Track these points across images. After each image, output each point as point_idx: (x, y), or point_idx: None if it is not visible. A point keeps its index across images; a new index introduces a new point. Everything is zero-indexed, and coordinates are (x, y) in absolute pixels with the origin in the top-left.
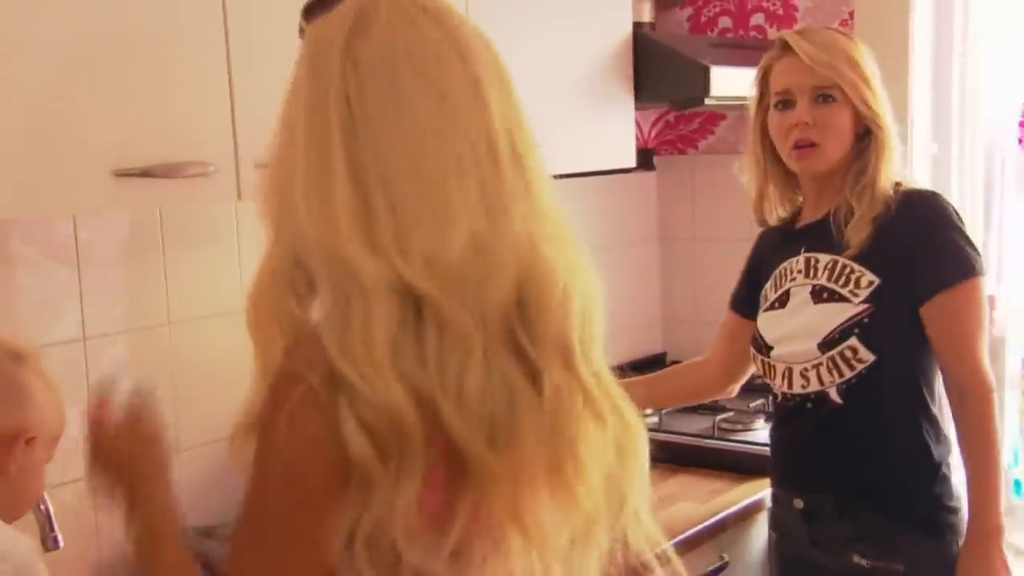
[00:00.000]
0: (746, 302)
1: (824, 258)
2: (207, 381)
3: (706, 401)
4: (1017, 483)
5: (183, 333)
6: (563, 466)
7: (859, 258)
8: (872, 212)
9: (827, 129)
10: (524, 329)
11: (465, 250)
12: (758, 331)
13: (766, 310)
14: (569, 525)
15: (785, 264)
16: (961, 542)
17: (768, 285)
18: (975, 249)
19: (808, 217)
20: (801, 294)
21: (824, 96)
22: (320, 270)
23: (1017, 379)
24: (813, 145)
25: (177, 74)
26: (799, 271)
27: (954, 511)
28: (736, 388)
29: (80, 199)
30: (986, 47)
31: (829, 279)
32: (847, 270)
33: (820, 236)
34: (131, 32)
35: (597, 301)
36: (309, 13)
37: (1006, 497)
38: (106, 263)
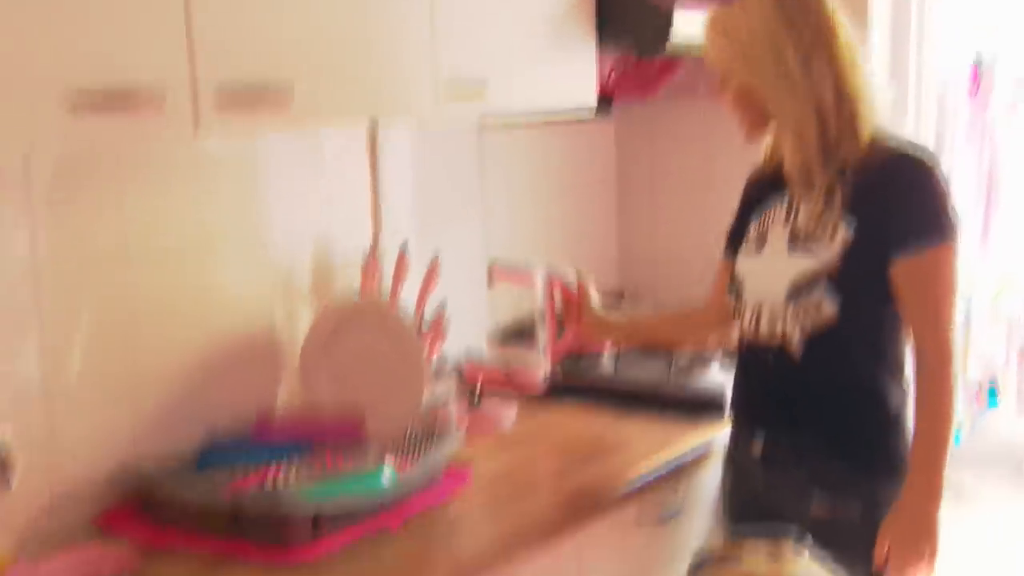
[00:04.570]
0: (736, 248)
1: (805, 207)
2: (166, 317)
3: (707, 347)
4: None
5: (141, 268)
6: None
7: (840, 211)
8: (851, 166)
9: (737, 112)
10: None
11: None
12: (735, 273)
13: (744, 253)
14: None
15: (769, 208)
16: None
17: (751, 228)
18: (954, 217)
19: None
20: (778, 241)
21: (723, 83)
22: None
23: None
24: (749, 125)
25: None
26: (781, 218)
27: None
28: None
29: (30, 135)
30: None
31: (807, 228)
32: (825, 220)
33: (803, 183)
34: None
35: None
36: None
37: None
38: (59, 197)
